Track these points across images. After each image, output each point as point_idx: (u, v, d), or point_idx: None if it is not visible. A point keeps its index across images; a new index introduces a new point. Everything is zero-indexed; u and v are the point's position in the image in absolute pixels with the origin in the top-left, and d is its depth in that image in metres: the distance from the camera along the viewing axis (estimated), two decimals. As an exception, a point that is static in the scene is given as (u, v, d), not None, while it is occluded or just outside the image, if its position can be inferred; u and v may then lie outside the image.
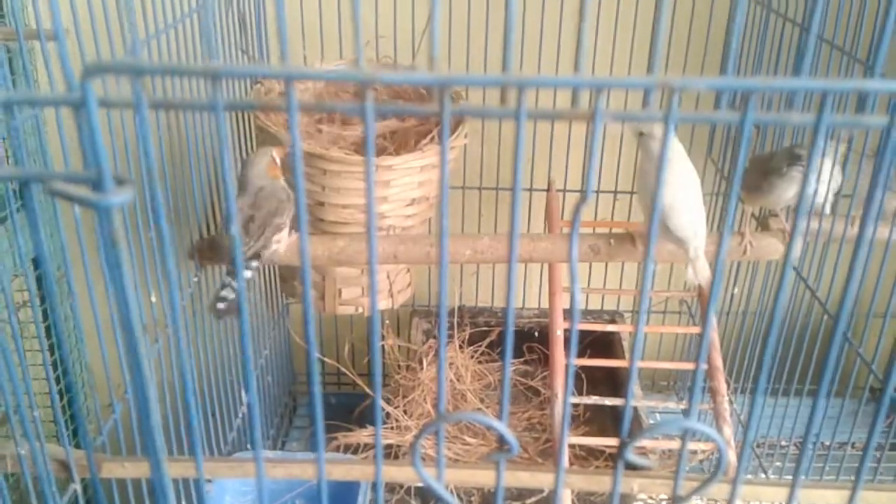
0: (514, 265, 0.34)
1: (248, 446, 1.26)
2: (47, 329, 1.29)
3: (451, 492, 1.14)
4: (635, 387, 1.36)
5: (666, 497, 1.34)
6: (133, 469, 0.68)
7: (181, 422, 0.98)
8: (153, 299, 0.90)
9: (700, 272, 0.99)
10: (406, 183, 1.13)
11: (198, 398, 1.05)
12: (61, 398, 1.29)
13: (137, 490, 0.84)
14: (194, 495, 1.05)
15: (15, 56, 1.02)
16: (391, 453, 1.20)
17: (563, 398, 1.06)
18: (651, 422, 1.47)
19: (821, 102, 0.31)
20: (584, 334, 1.45)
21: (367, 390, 1.33)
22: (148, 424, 0.41)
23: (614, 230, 1.15)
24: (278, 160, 1.01)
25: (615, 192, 1.49)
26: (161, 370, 0.93)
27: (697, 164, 1.42)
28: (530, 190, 1.49)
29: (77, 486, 0.70)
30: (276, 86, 1.23)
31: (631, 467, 1.19)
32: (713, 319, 1.14)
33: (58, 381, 1.28)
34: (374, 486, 1.24)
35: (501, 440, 0.38)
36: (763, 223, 1.13)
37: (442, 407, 0.39)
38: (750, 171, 1.08)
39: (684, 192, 0.98)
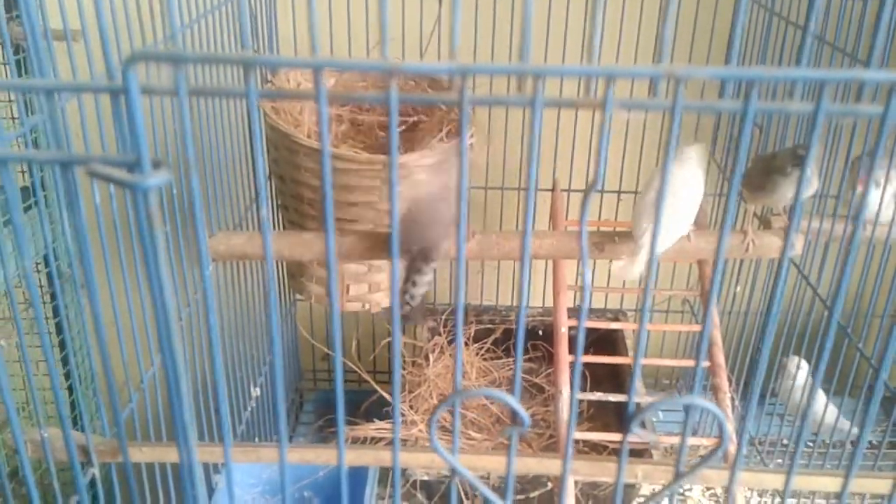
0: (528, 235, 0.36)
1: (257, 439, 1.28)
2: (58, 324, 1.31)
3: (458, 486, 1.16)
4: (639, 383, 1.38)
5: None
6: (151, 454, 0.70)
7: (195, 411, 1.00)
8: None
9: (629, 270, 1.03)
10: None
11: (209, 390, 1.07)
12: (81, 384, 1.32)
13: (151, 477, 0.86)
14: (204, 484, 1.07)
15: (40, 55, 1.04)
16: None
17: (570, 389, 1.08)
18: (654, 419, 1.49)
19: (819, 91, 0.33)
20: (587, 332, 1.46)
21: (375, 385, 1.35)
22: (179, 405, 0.43)
23: (618, 229, 1.17)
24: None
25: (619, 192, 1.51)
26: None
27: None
28: (535, 189, 1.51)
29: (96, 471, 0.72)
30: (286, 83, 1.25)
31: (633, 455, 1.20)
32: (714, 313, 1.16)
33: (75, 368, 1.31)
34: (381, 479, 1.26)
35: (514, 414, 0.40)
36: (765, 222, 1.14)
37: (458, 383, 0.41)
38: (753, 170, 1.10)
39: (670, 197, 1.00)
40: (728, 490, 0.46)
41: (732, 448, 1.06)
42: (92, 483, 0.76)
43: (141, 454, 0.70)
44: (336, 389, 0.43)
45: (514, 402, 0.39)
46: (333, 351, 0.44)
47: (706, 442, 1.12)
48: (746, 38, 1.29)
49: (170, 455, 0.71)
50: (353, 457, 0.68)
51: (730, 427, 1.06)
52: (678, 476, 0.43)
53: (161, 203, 0.91)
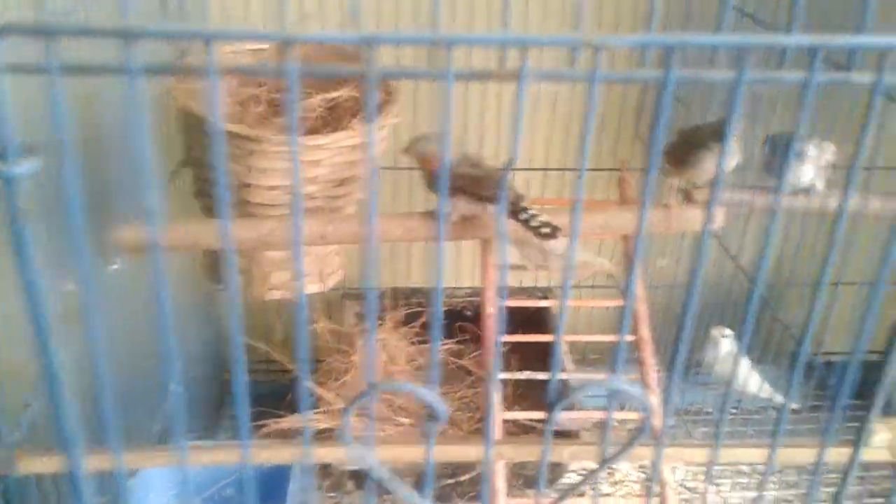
0: (442, 215, 0.34)
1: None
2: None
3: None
4: (567, 360, 1.39)
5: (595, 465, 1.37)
6: (51, 464, 0.65)
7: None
8: (70, 287, 0.86)
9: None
10: (336, 163, 1.11)
11: (117, 388, 1.02)
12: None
13: (60, 489, 0.81)
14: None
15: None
16: (325, 437, 1.18)
17: (497, 371, 1.07)
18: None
19: (739, 58, 0.32)
20: (516, 312, 1.46)
21: (301, 375, 1.32)
22: (60, 409, 0.39)
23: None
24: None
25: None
26: (82, 362, 0.89)
27: (626, 140, 1.45)
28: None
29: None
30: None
31: (561, 435, 1.21)
32: (640, 286, 1.17)
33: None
34: (305, 470, 1.23)
35: (431, 409, 0.38)
36: (687, 196, 1.15)
37: (372, 376, 0.39)
38: (677, 144, 1.10)
39: None
40: (654, 467, 0.45)
41: (658, 422, 1.07)
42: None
43: (41, 464, 0.65)
44: (235, 386, 0.40)
45: (432, 396, 0.37)
46: (247, 343, 0.41)
47: (633, 416, 1.13)
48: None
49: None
50: (269, 454, 0.64)
51: (654, 401, 1.07)
52: (604, 461, 0.42)
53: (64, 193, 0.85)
